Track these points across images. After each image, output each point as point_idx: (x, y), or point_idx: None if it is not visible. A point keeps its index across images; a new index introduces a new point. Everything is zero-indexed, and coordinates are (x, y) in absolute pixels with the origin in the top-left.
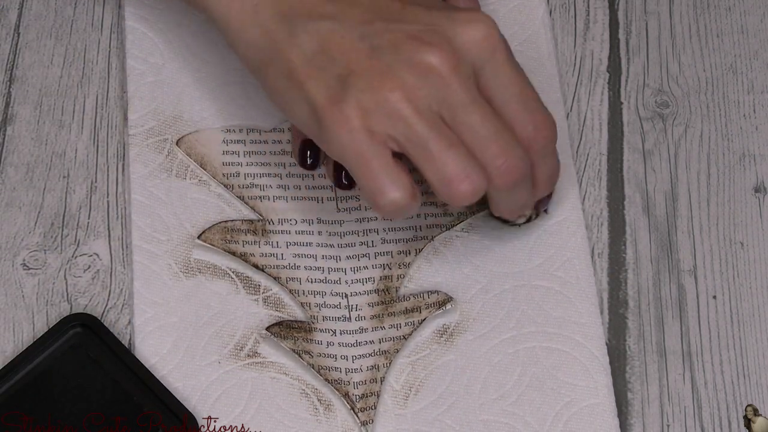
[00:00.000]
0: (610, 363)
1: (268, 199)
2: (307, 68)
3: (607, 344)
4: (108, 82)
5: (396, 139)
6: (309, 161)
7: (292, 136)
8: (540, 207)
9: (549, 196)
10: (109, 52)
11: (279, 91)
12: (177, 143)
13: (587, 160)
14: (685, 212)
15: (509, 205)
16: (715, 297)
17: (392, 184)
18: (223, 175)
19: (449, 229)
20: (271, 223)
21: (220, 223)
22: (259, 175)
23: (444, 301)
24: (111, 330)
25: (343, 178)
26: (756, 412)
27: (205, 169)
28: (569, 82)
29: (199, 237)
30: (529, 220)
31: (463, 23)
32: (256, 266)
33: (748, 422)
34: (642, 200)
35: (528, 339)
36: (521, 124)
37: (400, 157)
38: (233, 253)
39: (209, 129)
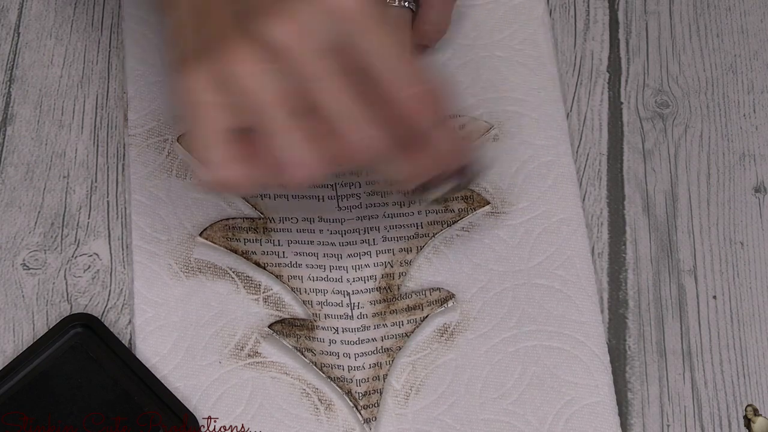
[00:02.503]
0: (610, 363)
1: (270, 197)
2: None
3: (607, 344)
4: (108, 82)
5: (240, 114)
6: None
7: None
8: (455, 181)
9: (464, 172)
10: (109, 52)
11: (165, 27)
12: (178, 140)
13: (587, 160)
14: (685, 212)
15: (391, 175)
16: (715, 297)
17: (221, 160)
18: None
19: (450, 225)
20: (272, 221)
21: (221, 220)
22: None
23: (446, 298)
24: (111, 330)
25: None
26: (756, 412)
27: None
28: (569, 82)
29: (200, 234)
30: (437, 201)
31: None
32: (257, 264)
33: (748, 422)
34: (642, 200)
35: (528, 338)
36: (395, 99)
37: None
38: (235, 251)
39: None
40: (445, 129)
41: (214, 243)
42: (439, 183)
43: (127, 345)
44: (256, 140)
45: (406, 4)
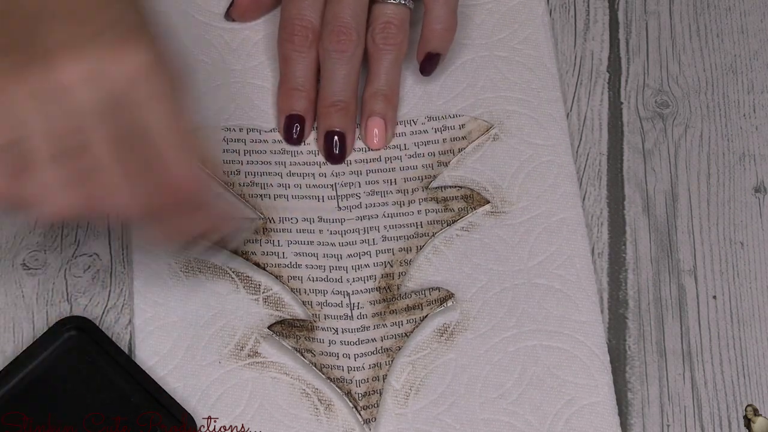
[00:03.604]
0: (610, 363)
1: (269, 197)
2: None
3: (607, 344)
4: None
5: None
6: (295, 136)
7: (277, 110)
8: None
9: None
10: None
11: None
12: None
13: (587, 160)
14: (685, 212)
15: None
16: (715, 297)
17: None
18: (224, 172)
19: (450, 225)
20: (272, 221)
21: None
22: (259, 173)
23: (445, 298)
24: (110, 330)
25: (334, 149)
26: (756, 412)
27: (205, 166)
28: (569, 82)
29: None
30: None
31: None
32: (257, 265)
33: (748, 422)
34: (642, 200)
35: (528, 337)
36: (159, 171)
37: None
38: (234, 252)
39: (209, 127)
40: (203, 207)
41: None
42: (195, 242)
43: (126, 345)
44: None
45: (403, 1)
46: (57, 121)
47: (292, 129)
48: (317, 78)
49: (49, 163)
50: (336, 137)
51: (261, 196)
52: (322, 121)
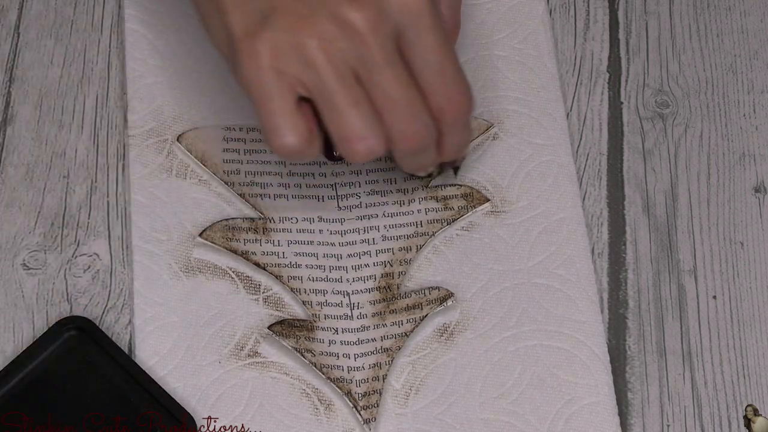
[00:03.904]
0: (610, 363)
1: (269, 197)
2: None
3: (607, 344)
4: (108, 82)
5: (305, 85)
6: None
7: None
8: (445, 166)
9: (456, 161)
10: (109, 52)
11: (203, 13)
12: (177, 139)
13: (587, 160)
14: (685, 212)
15: (410, 165)
16: (715, 297)
17: (289, 127)
18: (224, 172)
19: (450, 224)
20: (272, 221)
21: (221, 221)
22: (259, 173)
23: (445, 297)
24: (110, 330)
25: (334, 150)
26: (756, 412)
27: (206, 166)
28: (569, 82)
29: (200, 235)
30: (430, 175)
31: None
32: (257, 265)
33: (748, 422)
34: (642, 200)
35: (528, 337)
36: (433, 94)
37: (308, 102)
38: (234, 252)
39: (210, 126)
40: (464, 129)
41: (214, 243)
42: (442, 167)
43: (126, 345)
44: (318, 112)
45: None
46: (348, 59)
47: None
48: None
49: (350, 105)
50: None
51: (261, 195)
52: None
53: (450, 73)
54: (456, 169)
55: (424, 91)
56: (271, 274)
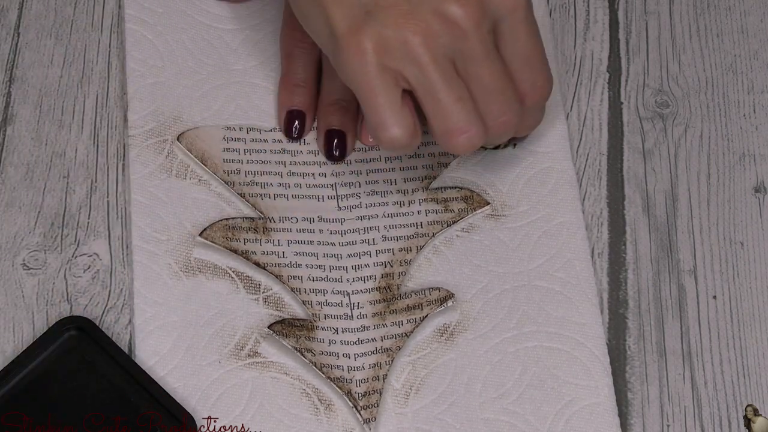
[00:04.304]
0: (610, 363)
1: (269, 197)
2: None
3: (607, 344)
4: (108, 82)
5: (408, 80)
6: (295, 132)
7: (278, 105)
8: (510, 140)
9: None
10: (109, 52)
11: (303, 9)
12: (177, 138)
13: (587, 160)
14: (685, 212)
15: (490, 142)
16: (715, 297)
17: (395, 120)
18: (224, 171)
19: (450, 225)
20: (272, 221)
21: (221, 220)
22: (259, 173)
23: (445, 298)
24: (110, 330)
25: (334, 150)
26: (756, 412)
27: (206, 165)
28: (569, 82)
29: (200, 234)
30: (497, 147)
31: None
32: (257, 264)
33: (748, 422)
34: (642, 200)
35: (528, 338)
36: (520, 80)
37: (409, 94)
38: (234, 251)
39: (210, 126)
40: (541, 110)
41: (214, 243)
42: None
43: (126, 345)
44: (419, 105)
45: None
46: (450, 54)
47: (293, 124)
48: (319, 76)
49: (454, 101)
50: (336, 137)
51: (261, 195)
52: (322, 119)
53: (537, 61)
54: (515, 144)
55: (512, 76)
56: (271, 273)
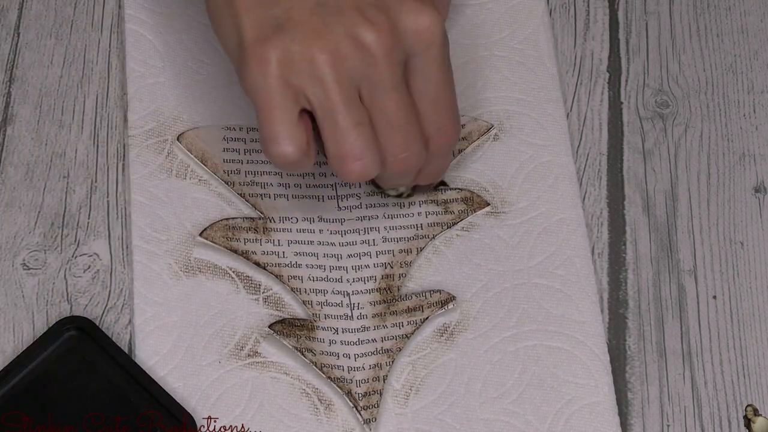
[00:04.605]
0: (610, 363)
1: (269, 197)
2: (248, 0)
3: (607, 344)
4: (108, 82)
5: (309, 99)
6: None
7: None
8: (418, 188)
9: (430, 184)
10: (109, 52)
11: (216, 14)
12: (177, 138)
13: (587, 160)
14: (685, 212)
15: (389, 182)
16: (715, 297)
17: (288, 137)
18: (224, 171)
19: (450, 227)
20: (272, 221)
21: (221, 220)
22: (259, 173)
23: (446, 300)
24: (110, 330)
25: None
26: (756, 412)
27: (206, 165)
28: (569, 82)
29: (200, 234)
30: (400, 195)
31: (411, 11)
32: (257, 264)
33: (748, 422)
34: (642, 200)
35: (528, 337)
36: (427, 122)
37: (308, 114)
38: (235, 251)
39: (210, 126)
40: (446, 157)
41: (214, 243)
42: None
43: (126, 345)
44: (318, 126)
45: None
46: (356, 78)
47: None
48: None
49: (352, 126)
50: None
51: (261, 195)
52: None
53: (445, 104)
54: (434, 186)
55: (419, 117)
56: (271, 273)
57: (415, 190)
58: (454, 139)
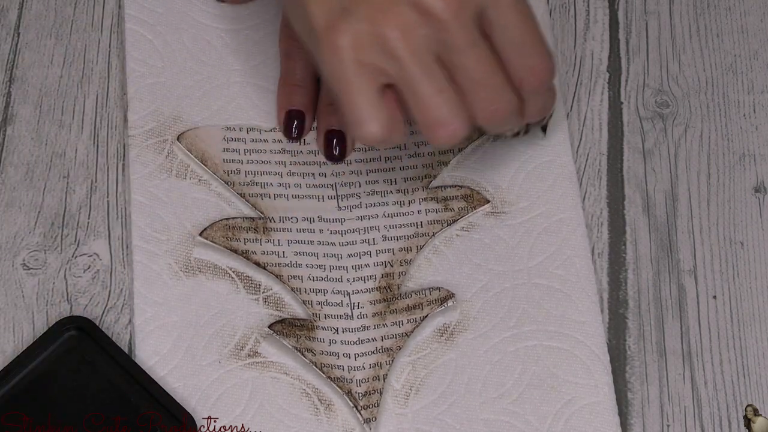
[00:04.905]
0: (610, 363)
1: (269, 197)
2: None
3: (607, 344)
4: (108, 82)
5: (387, 74)
6: (294, 132)
7: (277, 106)
8: (531, 126)
9: (544, 118)
10: (109, 52)
11: (287, 3)
12: (178, 138)
13: (587, 160)
14: (685, 212)
15: (496, 130)
16: (715, 297)
17: (372, 117)
18: (224, 171)
19: (450, 225)
20: (272, 221)
21: (221, 220)
22: (259, 173)
23: (445, 298)
24: (110, 330)
25: (334, 149)
26: (756, 412)
27: (206, 165)
28: (569, 82)
29: (200, 234)
30: (517, 134)
31: None
32: (257, 264)
33: (748, 422)
34: (642, 200)
35: (528, 337)
36: (514, 68)
37: (393, 89)
38: (235, 251)
39: (210, 126)
40: (546, 93)
41: (214, 243)
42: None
43: (126, 345)
44: (401, 99)
45: None
46: (430, 45)
47: (292, 125)
48: (318, 76)
49: (438, 88)
50: (335, 137)
51: (261, 195)
52: (321, 119)
53: (530, 45)
54: (544, 128)
55: (505, 64)
56: (272, 273)
57: (528, 126)
58: (548, 75)
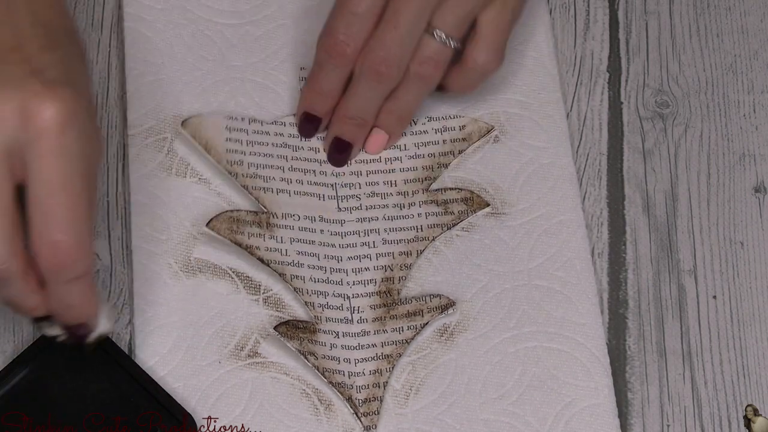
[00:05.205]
0: (610, 363)
1: (272, 191)
2: None
3: (607, 344)
4: (108, 82)
5: None
6: (306, 133)
7: (299, 102)
8: (78, 331)
9: (85, 329)
10: (109, 52)
11: None
12: (182, 124)
13: (587, 160)
14: (685, 212)
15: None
16: (715, 297)
17: None
18: (228, 162)
19: (450, 228)
20: (275, 216)
21: (225, 212)
22: (262, 166)
23: (446, 305)
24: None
25: (338, 153)
26: (756, 412)
27: (209, 154)
28: (569, 82)
29: (207, 225)
30: (55, 338)
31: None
32: (261, 260)
33: (748, 422)
34: (642, 200)
35: (528, 338)
36: (34, 234)
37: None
38: (239, 245)
39: (212, 115)
40: (75, 284)
41: (220, 234)
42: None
43: (126, 345)
44: None
45: (451, 42)
46: None
47: (307, 127)
48: (345, 87)
49: None
50: (343, 146)
51: (264, 189)
52: (335, 125)
53: (60, 215)
54: (89, 346)
55: (29, 226)
56: (275, 271)
57: (75, 331)
58: (70, 262)
